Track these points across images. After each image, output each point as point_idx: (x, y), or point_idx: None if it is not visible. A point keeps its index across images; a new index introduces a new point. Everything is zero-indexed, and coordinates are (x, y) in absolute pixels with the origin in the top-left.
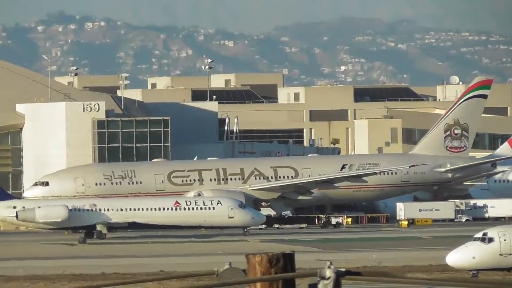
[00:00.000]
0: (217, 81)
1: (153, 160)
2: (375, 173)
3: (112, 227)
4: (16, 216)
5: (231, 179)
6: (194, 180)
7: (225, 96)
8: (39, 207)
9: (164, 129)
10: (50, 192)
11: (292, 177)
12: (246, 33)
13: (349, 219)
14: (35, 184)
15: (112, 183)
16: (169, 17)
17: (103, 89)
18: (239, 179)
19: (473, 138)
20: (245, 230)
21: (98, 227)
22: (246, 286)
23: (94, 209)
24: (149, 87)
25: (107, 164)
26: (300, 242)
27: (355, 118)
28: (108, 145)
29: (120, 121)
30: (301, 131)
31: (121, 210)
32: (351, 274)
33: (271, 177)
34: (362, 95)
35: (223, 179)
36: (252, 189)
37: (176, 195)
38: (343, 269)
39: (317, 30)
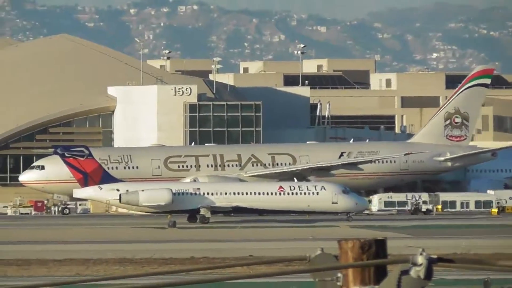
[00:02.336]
0: (309, 66)
1: (150, 145)
2: (370, 161)
3: (216, 211)
4: (120, 198)
5: (228, 165)
6: (191, 166)
7: (317, 81)
8: (142, 190)
9: (256, 114)
10: (46, 175)
11: (290, 164)
12: (339, 19)
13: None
14: (31, 168)
15: (108, 168)
16: (262, 2)
17: (195, 73)
18: (237, 165)
19: (474, 127)
20: (348, 215)
21: (202, 211)
22: (337, 272)
23: (198, 193)
24: (241, 71)
25: (103, 148)
26: (390, 228)
27: None
28: (200, 129)
29: (212, 105)
30: (393, 117)
31: (225, 194)
32: (443, 261)
33: (269, 164)
34: (453, 82)
35: (220, 165)
36: (249, 176)
37: (172, 180)
38: (435, 256)
39: (410, 16)
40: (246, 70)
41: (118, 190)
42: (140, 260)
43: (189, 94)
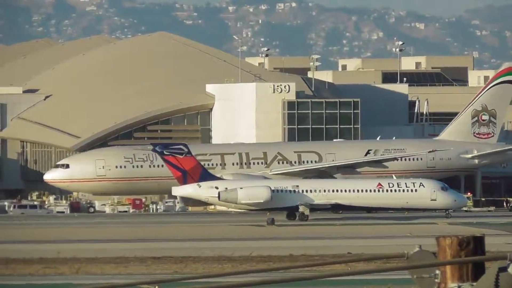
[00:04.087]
0: (408, 64)
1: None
2: (395, 159)
3: (315, 208)
4: (218, 196)
5: (253, 163)
6: (217, 164)
7: (415, 78)
8: (241, 188)
9: (354, 111)
10: (71, 174)
11: (315, 161)
12: (437, 16)
13: None
14: (56, 166)
15: (133, 166)
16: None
17: (293, 70)
18: (262, 163)
19: (501, 124)
20: (447, 212)
21: (301, 208)
22: (435, 269)
23: (296, 190)
24: (340, 68)
25: (128, 147)
26: (488, 225)
27: None
28: (298, 126)
29: (310, 103)
30: None
31: (324, 191)
32: None
33: (295, 162)
34: None
35: (245, 163)
36: (273, 173)
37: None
38: None
39: (508, 13)
40: (344, 67)
41: (217, 188)
42: (238, 258)
43: (288, 92)
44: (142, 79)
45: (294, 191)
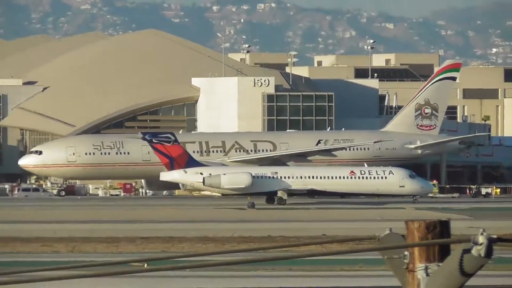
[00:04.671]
0: (378, 60)
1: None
2: (343, 148)
3: (292, 193)
4: (203, 181)
5: (213, 151)
6: None
7: (385, 74)
8: (224, 174)
9: (329, 104)
10: (43, 160)
11: (270, 150)
12: (406, 16)
13: (498, 190)
14: (30, 153)
15: (101, 153)
16: (334, 0)
17: (272, 66)
18: (221, 151)
19: (442, 117)
20: (414, 198)
21: (279, 193)
22: (404, 250)
23: (275, 176)
24: (315, 64)
25: (97, 135)
26: (452, 210)
27: (505, 97)
28: (277, 118)
29: (288, 96)
30: (455, 108)
31: (301, 177)
32: (502, 241)
33: (251, 150)
34: (511, 75)
35: (205, 151)
36: (231, 161)
37: (162, 165)
38: (495, 236)
39: (471, 14)
40: (320, 63)
41: (201, 173)
42: (221, 239)
43: (267, 85)
44: (133, 73)
45: (273, 177)
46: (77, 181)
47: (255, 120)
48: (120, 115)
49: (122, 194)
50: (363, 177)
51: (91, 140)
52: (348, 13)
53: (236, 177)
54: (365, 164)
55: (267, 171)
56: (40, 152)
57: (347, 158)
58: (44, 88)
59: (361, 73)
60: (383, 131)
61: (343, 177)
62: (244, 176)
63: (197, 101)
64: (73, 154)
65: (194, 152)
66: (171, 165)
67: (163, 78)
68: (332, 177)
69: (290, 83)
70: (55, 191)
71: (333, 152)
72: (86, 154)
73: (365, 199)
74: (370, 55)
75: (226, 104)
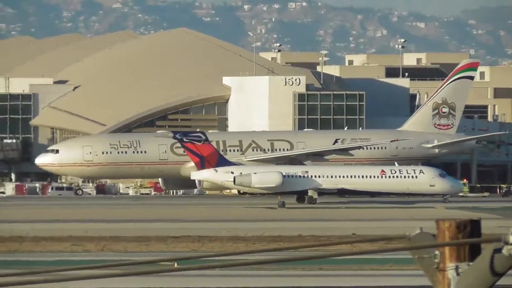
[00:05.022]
0: (409, 60)
1: (157, 132)
2: (359, 147)
3: (322, 192)
4: (234, 180)
5: (230, 150)
6: None
7: (416, 73)
8: (255, 173)
9: (360, 103)
10: (60, 159)
11: (287, 149)
12: (437, 16)
13: None
14: (46, 151)
15: (118, 152)
16: (366, 0)
17: (303, 65)
18: (238, 150)
19: (460, 116)
20: (444, 197)
21: (310, 192)
22: (435, 250)
23: (306, 176)
24: (346, 63)
25: (114, 134)
26: (483, 209)
27: None
28: (308, 117)
29: (319, 95)
30: (486, 107)
31: (331, 177)
32: None
33: (268, 149)
34: None
35: (222, 150)
36: (248, 160)
37: (178, 164)
38: None
39: (502, 13)
40: (351, 62)
41: (232, 172)
42: (251, 238)
43: (298, 85)
44: (164, 72)
45: (304, 176)
46: (107, 180)
47: (286, 119)
48: (151, 114)
49: (153, 193)
50: (393, 176)
51: (108, 139)
52: (379, 12)
53: (266, 176)
54: (396, 163)
55: (297, 170)
56: (57, 151)
57: (364, 157)
58: (75, 87)
59: (392, 72)
60: (400, 130)
61: (374, 177)
62: (275, 175)
63: (228, 100)
64: (90, 153)
65: None
66: (202, 164)
67: (194, 77)
68: (362, 176)
69: (321, 82)
70: (89, 190)
71: (350, 151)
72: (103, 153)
73: (395, 198)
74: (401, 54)
75: (257, 103)
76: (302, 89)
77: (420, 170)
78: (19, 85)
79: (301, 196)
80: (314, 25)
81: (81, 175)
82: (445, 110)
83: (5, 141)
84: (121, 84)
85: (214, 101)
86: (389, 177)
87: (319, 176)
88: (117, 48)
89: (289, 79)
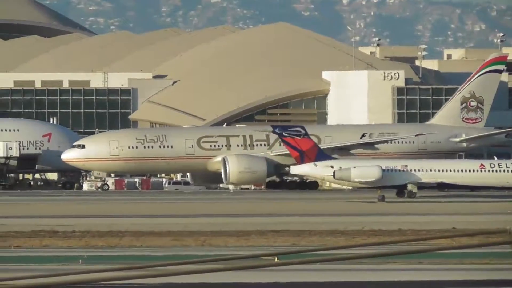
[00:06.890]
0: (509, 53)
1: (184, 126)
2: (386, 141)
3: (422, 186)
4: (334, 175)
5: (257, 145)
6: (222, 146)
7: None
8: (354, 167)
9: None
10: (86, 154)
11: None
12: None
13: None
14: (73, 147)
15: (144, 147)
16: None
17: (402, 59)
18: (265, 145)
19: (488, 110)
20: None
21: (409, 187)
22: None
23: (405, 170)
24: (445, 58)
25: (140, 129)
26: None
27: None
28: (407, 111)
29: (418, 89)
30: None
31: (431, 171)
32: None
33: None
34: None
35: (249, 145)
36: (274, 155)
37: (205, 159)
38: None
39: None
40: (449, 56)
41: (332, 167)
42: (351, 232)
43: (397, 79)
44: (263, 66)
45: (403, 170)
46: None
47: (385, 113)
48: (250, 108)
49: (253, 187)
50: (493, 170)
51: (135, 133)
52: (478, 6)
53: (366, 170)
54: (495, 157)
55: (397, 164)
56: (83, 146)
57: (392, 152)
58: (174, 82)
59: None
60: (428, 124)
61: (473, 170)
62: (375, 169)
63: (327, 94)
64: (116, 148)
65: (238, 146)
66: (301, 158)
67: (293, 72)
68: (462, 170)
69: (420, 77)
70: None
71: (376, 146)
72: (129, 147)
73: (495, 192)
74: (500, 49)
75: (356, 97)
76: (401, 83)
77: None
78: (117, 80)
79: (400, 190)
80: (412, 19)
81: (107, 170)
82: (473, 104)
83: None
84: (220, 78)
85: (313, 96)
86: (489, 171)
87: (418, 170)
88: (216, 42)
89: (388, 74)
